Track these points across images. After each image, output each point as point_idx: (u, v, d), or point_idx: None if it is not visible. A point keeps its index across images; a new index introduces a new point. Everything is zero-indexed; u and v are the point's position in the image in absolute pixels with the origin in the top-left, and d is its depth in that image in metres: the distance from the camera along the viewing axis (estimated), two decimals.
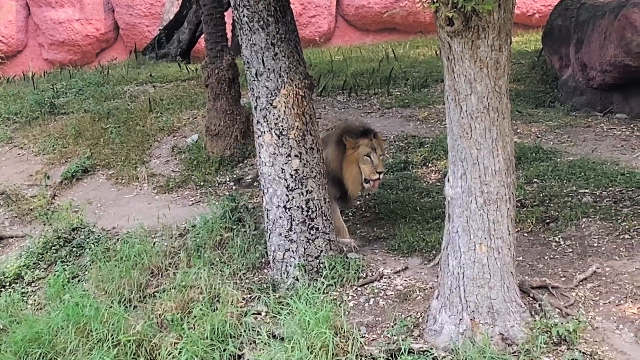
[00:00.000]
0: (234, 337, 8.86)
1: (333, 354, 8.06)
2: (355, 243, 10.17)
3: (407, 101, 17.06)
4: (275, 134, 9.51)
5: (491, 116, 7.77)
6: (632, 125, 15.10)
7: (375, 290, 9.29)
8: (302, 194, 9.60)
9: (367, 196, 11.87)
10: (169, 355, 8.79)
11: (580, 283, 9.02)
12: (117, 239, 11.56)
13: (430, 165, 13.65)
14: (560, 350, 7.85)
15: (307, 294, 8.94)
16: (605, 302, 8.66)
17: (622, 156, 13.49)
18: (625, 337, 8.17)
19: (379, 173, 10.16)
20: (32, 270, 11.55)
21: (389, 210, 11.73)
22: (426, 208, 11.68)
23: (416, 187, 12.62)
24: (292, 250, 9.66)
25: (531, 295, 8.75)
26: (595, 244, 9.88)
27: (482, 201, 7.92)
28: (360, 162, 10.11)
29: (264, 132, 9.58)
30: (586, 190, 11.71)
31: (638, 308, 8.45)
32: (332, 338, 8.10)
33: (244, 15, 9.39)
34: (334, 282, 9.41)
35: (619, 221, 10.37)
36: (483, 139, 7.81)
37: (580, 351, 7.78)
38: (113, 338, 9.06)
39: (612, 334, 8.21)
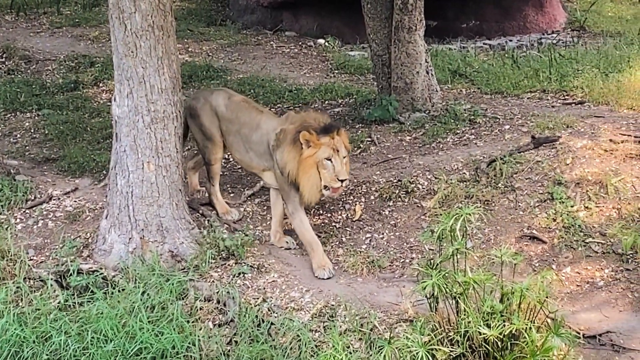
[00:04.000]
0: None
1: (0, 278, 7.87)
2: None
3: (77, 20, 16.79)
4: None
5: (156, 34, 7.79)
6: (300, 43, 15.65)
7: (44, 212, 9.11)
8: None
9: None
10: None
11: (249, 198, 9.31)
12: None
13: (101, 85, 13.55)
14: (228, 265, 8.06)
15: None
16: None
17: (291, 73, 13.96)
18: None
19: (342, 181, 8.08)
20: None
21: (59, 131, 11.50)
22: (97, 128, 11.57)
23: (87, 107, 12.50)
24: None
25: (200, 211, 8.94)
26: None
27: (149, 120, 7.94)
28: (319, 166, 8.07)
29: None
30: None
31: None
32: None
33: None
34: (1, 205, 9.13)
35: None
36: (149, 57, 7.83)
37: (247, 264, 8.02)
38: None
39: (279, 247, 8.56)
